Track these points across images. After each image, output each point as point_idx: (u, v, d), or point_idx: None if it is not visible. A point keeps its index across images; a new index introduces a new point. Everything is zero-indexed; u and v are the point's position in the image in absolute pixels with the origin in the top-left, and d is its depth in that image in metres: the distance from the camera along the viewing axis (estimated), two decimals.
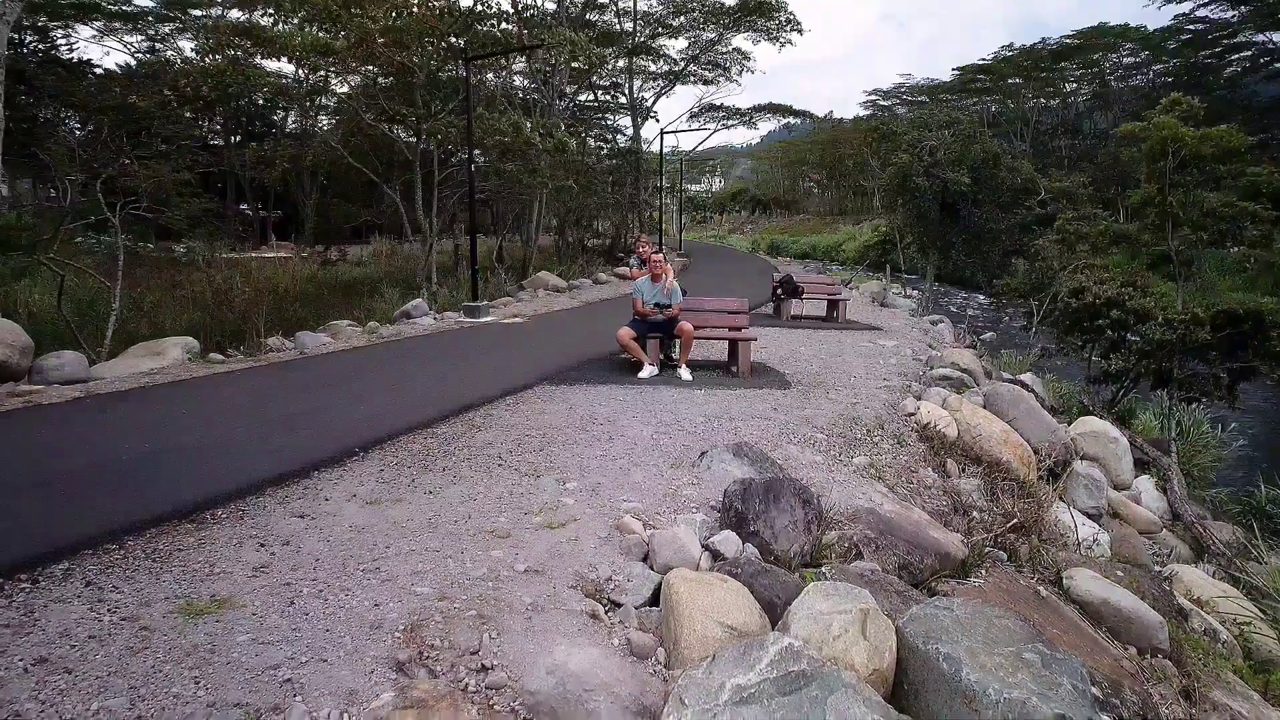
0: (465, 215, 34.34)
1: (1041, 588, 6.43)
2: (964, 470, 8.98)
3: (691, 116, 43.31)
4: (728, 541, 5.10)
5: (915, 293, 28.03)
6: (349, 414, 8.18)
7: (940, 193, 25.13)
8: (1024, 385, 18.79)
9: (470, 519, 5.36)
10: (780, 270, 27.78)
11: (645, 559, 4.91)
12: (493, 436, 7.52)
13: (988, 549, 6.63)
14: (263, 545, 4.83)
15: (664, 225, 29.93)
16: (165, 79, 26.49)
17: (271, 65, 26.73)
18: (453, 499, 5.73)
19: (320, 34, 20.69)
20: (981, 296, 35.90)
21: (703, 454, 6.87)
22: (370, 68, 21.39)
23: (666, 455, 7.05)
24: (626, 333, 10.29)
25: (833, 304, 17.02)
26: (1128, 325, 15.80)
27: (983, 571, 6.16)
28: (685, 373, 10.23)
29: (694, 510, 5.73)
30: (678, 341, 10.63)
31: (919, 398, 10.24)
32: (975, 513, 7.54)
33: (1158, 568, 9.12)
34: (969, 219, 25.43)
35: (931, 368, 12.56)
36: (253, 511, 5.38)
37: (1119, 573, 7.21)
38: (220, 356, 12.24)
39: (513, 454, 6.95)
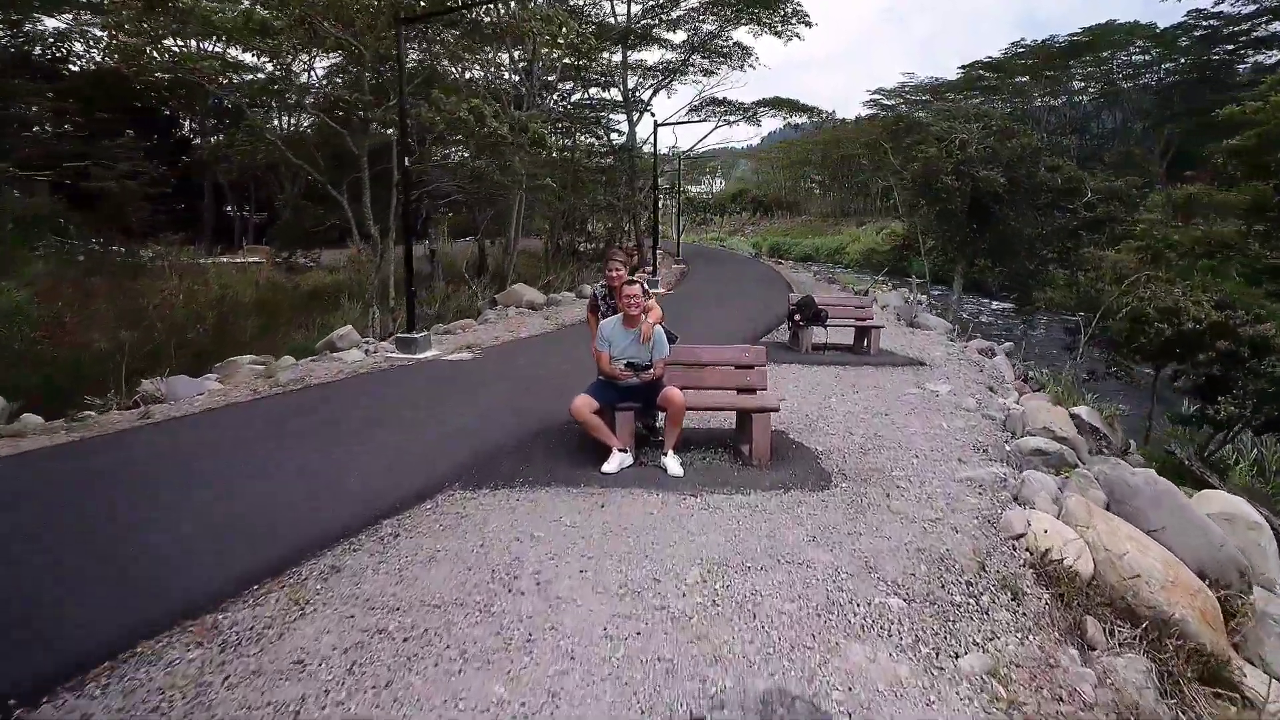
0: (442, 216, 30.88)
1: None
2: (1113, 634, 5.46)
3: (692, 110, 39.66)
4: None
5: (925, 298, 24.55)
6: (78, 590, 4.68)
7: (970, 193, 21.57)
8: (1084, 424, 15.54)
9: None
10: (796, 292, 24.12)
11: None
12: (316, 632, 4.01)
13: None
14: None
15: (661, 227, 26.68)
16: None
17: (240, 54, 23.25)
18: None
19: (260, 11, 17.22)
20: (994, 303, 32.38)
21: None
22: (316, 51, 17.87)
23: (628, 694, 3.55)
24: (585, 403, 6.71)
25: (862, 331, 13.48)
26: (1240, 359, 12.24)
27: None
28: (673, 463, 6.71)
29: None
30: (663, 413, 7.11)
31: (1021, 500, 6.71)
32: None
33: None
34: (1001, 222, 21.86)
35: (1014, 434, 9.02)
36: None
37: None
38: (39, 420, 8.76)
39: (328, 697, 3.46)
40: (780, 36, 39.52)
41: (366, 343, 13.46)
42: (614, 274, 7.60)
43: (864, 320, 13.63)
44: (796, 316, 12.98)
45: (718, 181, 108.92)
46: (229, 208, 51.18)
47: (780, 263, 39.22)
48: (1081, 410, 16.48)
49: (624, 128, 41.95)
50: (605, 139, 38.77)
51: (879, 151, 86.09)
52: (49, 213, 39.61)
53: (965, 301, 30.81)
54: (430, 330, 15.27)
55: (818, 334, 13.24)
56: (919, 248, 25.37)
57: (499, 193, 21.81)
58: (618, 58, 38.71)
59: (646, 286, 7.08)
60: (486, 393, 9.98)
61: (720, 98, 39.84)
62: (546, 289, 28.22)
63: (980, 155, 22.07)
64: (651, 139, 30.54)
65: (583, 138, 33.45)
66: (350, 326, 13.62)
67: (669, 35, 40.57)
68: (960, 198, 21.35)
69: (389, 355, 12.00)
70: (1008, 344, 33.07)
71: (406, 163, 11.94)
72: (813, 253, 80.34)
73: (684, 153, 53.89)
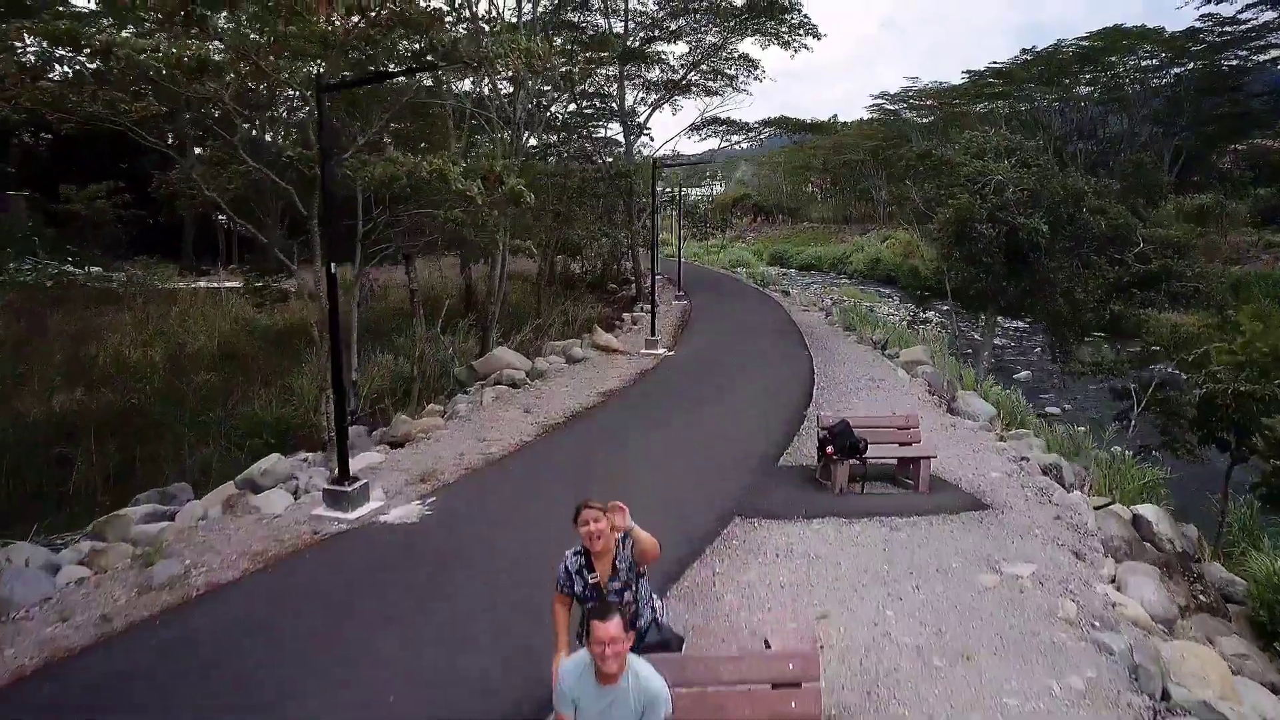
0: (426, 249, 28.07)
1: None
2: None
3: (693, 129, 36.83)
4: None
5: (950, 329, 21.81)
6: None
7: (1006, 238, 18.85)
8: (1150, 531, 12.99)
9: None
10: (811, 349, 21.34)
11: None
12: None
13: None
14: None
15: (659, 248, 23.95)
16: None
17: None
18: None
19: (193, 44, 14.40)
20: (1009, 320, 29.56)
21: None
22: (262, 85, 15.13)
23: None
24: None
25: (908, 459, 10.78)
26: None
27: None
28: None
29: None
30: None
31: None
32: None
33: None
34: (1040, 271, 19.13)
35: (1153, 695, 6.32)
36: None
37: None
38: None
39: None
40: (788, 48, 36.70)
41: (298, 474, 10.75)
42: (592, 528, 4.89)
43: (910, 442, 10.91)
44: (829, 449, 10.25)
45: (718, 184, 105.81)
46: (221, 216, 48.21)
47: (789, 295, 36.13)
48: (1148, 511, 13.90)
49: (620, 137, 39.23)
50: (599, 159, 35.91)
51: (881, 158, 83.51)
52: (24, 232, 36.93)
53: (973, 320, 27.84)
54: (379, 443, 12.68)
55: (851, 464, 10.51)
56: (946, 291, 22.57)
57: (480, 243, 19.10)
58: (614, 69, 35.89)
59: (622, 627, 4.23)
60: (440, 613, 7.22)
61: (724, 117, 36.92)
62: (533, 341, 25.48)
63: (1018, 198, 19.31)
64: (648, 163, 27.59)
65: (570, 158, 30.51)
66: (277, 456, 10.87)
67: (670, 48, 37.75)
68: (996, 248, 18.62)
69: (316, 514, 9.26)
70: (1024, 372, 30.52)
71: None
72: (815, 262, 77.50)
73: (685, 160, 51.16)
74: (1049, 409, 27.10)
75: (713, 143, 39.63)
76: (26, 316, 28.22)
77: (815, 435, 13.19)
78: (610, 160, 37.68)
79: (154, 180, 25.09)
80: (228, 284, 36.22)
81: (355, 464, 11.24)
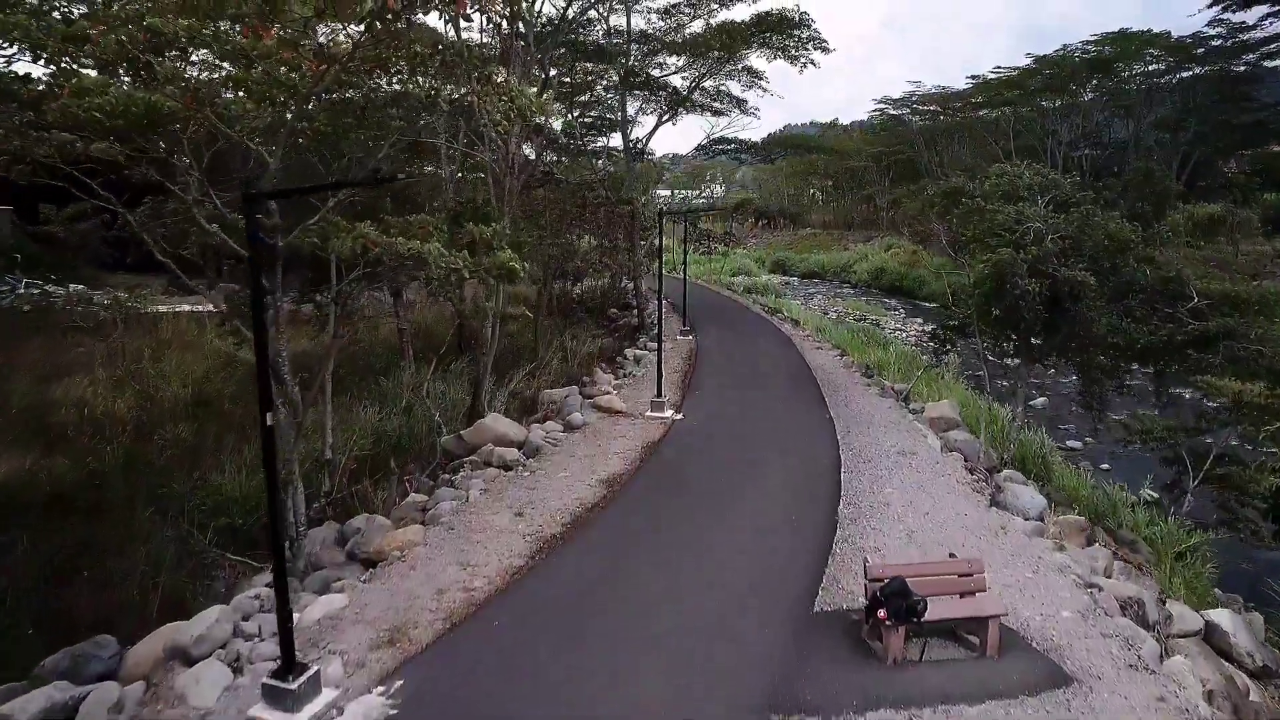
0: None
1: None
2: None
3: (699, 150, 34.82)
4: None
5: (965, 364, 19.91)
6: None
7: (1048, 290, 16.94)
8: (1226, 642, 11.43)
9: None
10: (833, 408, 19.36)
11: None
12: None
13: None
14: None
15: (663, 273, 22.12)
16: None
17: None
18: None
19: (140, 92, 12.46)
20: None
21: None
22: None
23: None
24: None
25: (974, 619, 8.87)
26: None
27: None
28: None
29: None
30: None
31: None
32: None
33: None
34: (1081, 322, 17.19)
35: None
36: None
37: None
38: None
39: None
40: (795, 63, 34.72)
41: (241, 637, 8.82)
42: None
43: (974, 592, 9.02)
44: (881, 612, 8.34)
45: (718, 187, 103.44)
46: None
47: (799, 325, 34.06)
48: (1223, 619, 12.28)
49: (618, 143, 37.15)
50: (600, 175, 33.88)
51: (885, 163, 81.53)
52: (7, 249, 34.99)
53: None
54: (347, 554, 10.83)
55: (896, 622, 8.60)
56: (979, 340, 20.55)
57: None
58: (614, 79, 33.89)
59: None
60: None
61: (730, 138, 34.92)
62: (529, 386, 23.53)
63: (1059, 248, 17.40)
64: (659, 210, 25.62)
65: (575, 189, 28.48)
66: (217, 613, 8.92)
67: (673, 60, 35.72)
68: (1038, 302, 16.71)
69: (253, 717, 7.36)
70: (1041, 399, 28.61)
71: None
72: (818, 269, 75.40)
73: (683, 157, 49.32)
74: (1070, 443, 25.34)
75: (714, 133, 37.44)
76: None
77: (845, 548, 11.53)
78: (611, 170, 35.73)
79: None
80: (212, 307, 34.25)
81: (312, 614, 9.36)
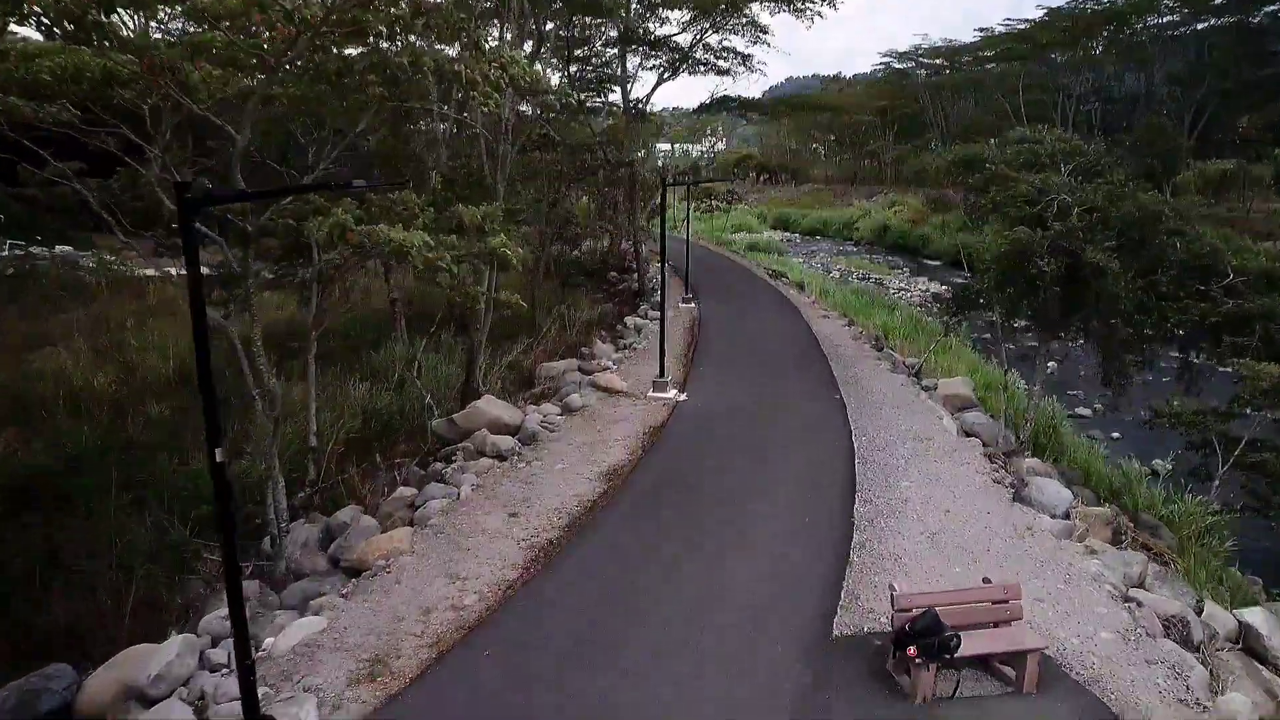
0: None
1: None
2: None
3: (702, 108, 33.36)
4: None
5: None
6: None
7: (1068, 269, 15.87)
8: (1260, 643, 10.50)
9: None
10: (847, 391, 18.33)
11: None
12: None
13: None
14: None
15: (667, 235, 20.81)
16: None
17: None
18: None
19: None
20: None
21: None
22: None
23: None
24: None
25: (1008, 655, 8.03)
26: None
27: None
28: None
29: None
30: None
31: None
32: None
33: None
34: (1103, 298, 16.12)
35: None
36: None
37: None
38: None
39: None
40: (800, 15, 33.03)
41: (204, 671, 8.00)
42: None
43: (1009, 620, 8.18)
44: (910, 649, 7.51)
45: (719, 142, 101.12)
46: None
47: (804, 290, 32.91)
48: (1255, 617, 11.57)
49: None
50: (598, 133, 32.45)
51: (890, 118, 79.47)
52: None
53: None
54: (331, 559, 10.02)
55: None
56: (980, 300, 19.45)
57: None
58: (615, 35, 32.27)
59: None
60: None
61: (734, 96, 33.40)
62: (526, 357, 22.54)
63: (1084, 222, 16.27)
64: (662, 179, 24.26)
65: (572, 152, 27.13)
66: (178, 645, 8.06)
67: (675, 14, 33.94)
68: (1055, 283, 15.66)
69: None
70: (1051, 363, 27.62)
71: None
72: (821, 226, 73.92)
73: (684, 113, 47.50)
74: (1080, 410, 24.48)
75: (714, 83, 35.88)
76: None
77: (863, 555, 10.68)
78: (610, 123, 34.29)
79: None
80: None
81: (288, 639, 8.53)
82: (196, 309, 5.95)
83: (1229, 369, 17.04)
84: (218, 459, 5.97)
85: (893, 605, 7.99)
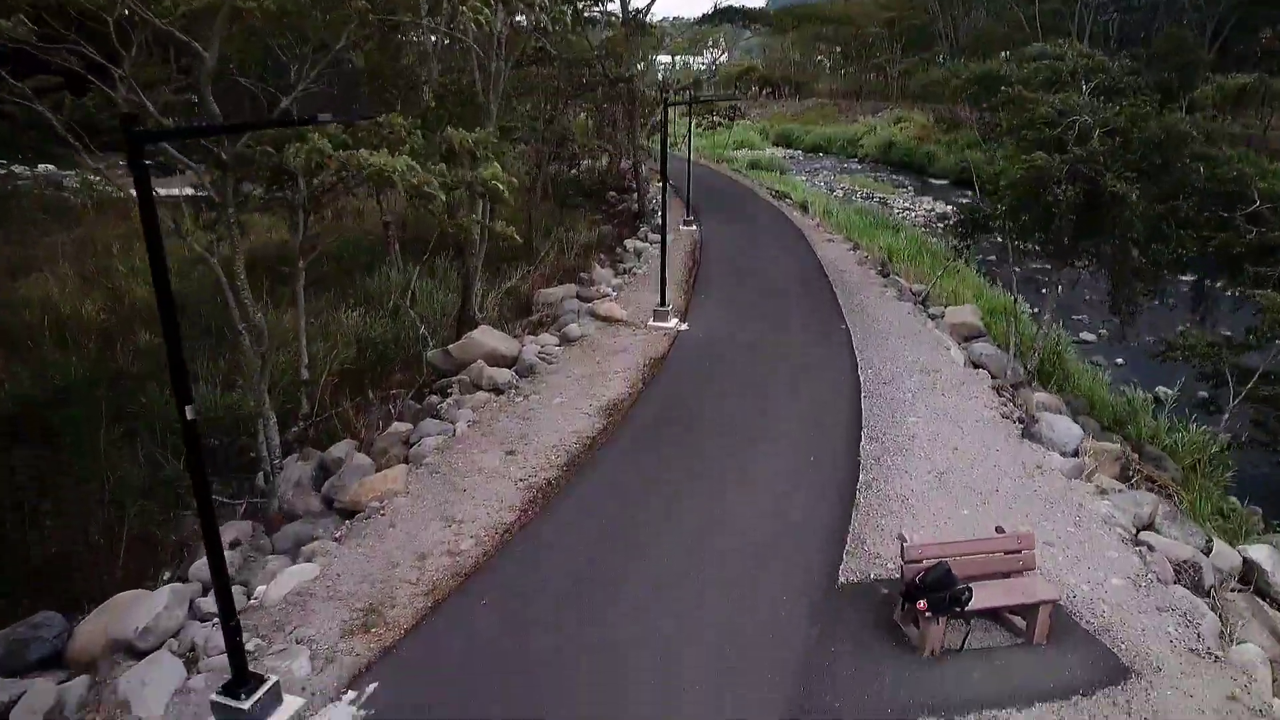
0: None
1: None
2: None
3: (704, 19, 31.81)
4: None
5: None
6: None
7: (1083, 197, 15.17)
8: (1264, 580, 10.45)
9: None
10: (847, 323, 17.82)
11: None
12: None
13: None
14: None
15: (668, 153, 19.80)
16: None
17: None
18: None
19: None
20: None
21: None
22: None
23: None
24: None
25: (1020, 607, 7.79)
26: None
27: None
28: None
29: None
30: None
31: None
32: None
33: None
34: (1119, 224, 15.50)
35: None
36: None
37: None
38: None
39: None
40: None
41: (196, 621, 7.78)
42: None
43: (1022, 570, 7.93)
44: (920, 603, 7.25)
45: (722, 55, 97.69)
46: None
47: (807, 211, 32.01)
48: (1261, 555, 11.47)
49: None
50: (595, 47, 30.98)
51: (898, 29, 76.33)
52: None
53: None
54: (325, 500, 9.78)
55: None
56: (1008, 241, 18.71)
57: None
58: None
59: None
60: None
61: (738, 6, 31.75)
62: (523, 284, 21.92)
63: (1104, 146, 15.47)
64: (663, 98, 23.04)
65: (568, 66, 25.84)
66: (167, 596, 7.81)
67: None
68: (1071, 211, 15.00)
69: None
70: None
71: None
72: (824, 143, 71.95)
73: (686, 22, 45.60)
74: (1084, 335, 24.08)
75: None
76: None
77: (869, 496, 10.40)
78: (608, 35, 32.78)
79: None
80: (188, 190, 32.12)
81: (280, 587, 8.29)
82: (154, 252, 5.44)
83: (1233, 294, 16.57)
84: (189, 416, 5.55)
85: (903, 556, 7.72)
